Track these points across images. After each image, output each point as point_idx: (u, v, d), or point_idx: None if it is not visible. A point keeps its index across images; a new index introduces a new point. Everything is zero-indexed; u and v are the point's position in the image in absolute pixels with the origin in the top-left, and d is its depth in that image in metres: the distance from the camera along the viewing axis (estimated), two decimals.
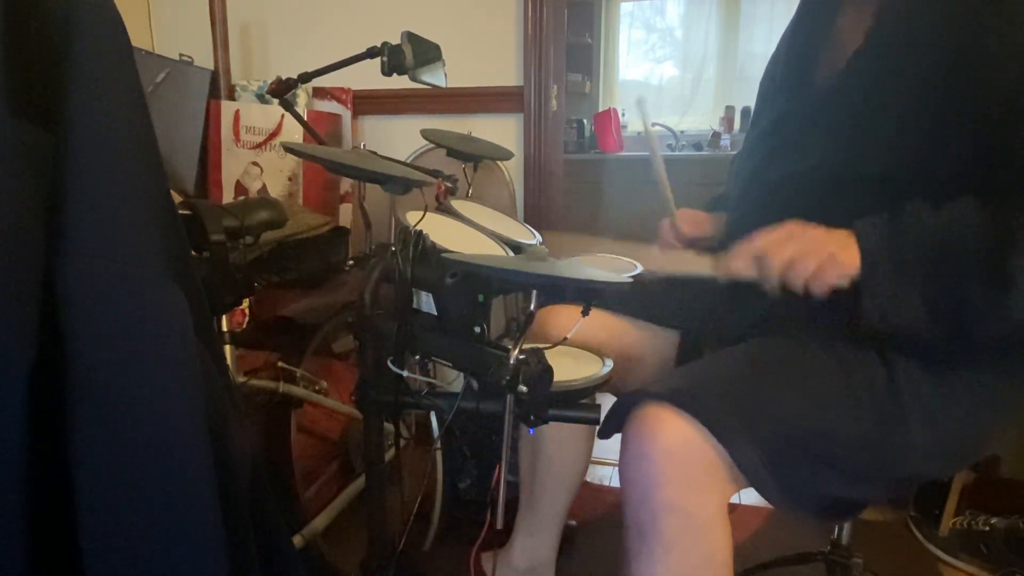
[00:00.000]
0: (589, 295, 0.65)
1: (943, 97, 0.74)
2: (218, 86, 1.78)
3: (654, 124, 3.67)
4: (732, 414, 0.68)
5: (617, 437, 0.77)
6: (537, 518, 1.15)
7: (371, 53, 0.99)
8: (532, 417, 0.68)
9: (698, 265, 0.81)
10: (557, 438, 1.10)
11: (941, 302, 0.70)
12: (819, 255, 0.70)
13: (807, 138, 0.87)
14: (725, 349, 0.80)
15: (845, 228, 0.73)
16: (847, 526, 1.06)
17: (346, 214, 1.83)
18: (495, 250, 0.89)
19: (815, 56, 0.92)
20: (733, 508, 0.71)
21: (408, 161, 1.52)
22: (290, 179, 1.75)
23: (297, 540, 1.14)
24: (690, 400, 0.69)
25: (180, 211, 0.65)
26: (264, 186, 1.75)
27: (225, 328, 1.09)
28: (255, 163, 1.74)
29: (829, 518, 0.96)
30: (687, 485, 0.68)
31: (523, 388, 0.64)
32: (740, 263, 0.75)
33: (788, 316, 0.82)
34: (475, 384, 0.72)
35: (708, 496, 0.68)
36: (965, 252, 0.69)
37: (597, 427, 0.76)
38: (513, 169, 1.74)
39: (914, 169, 0.77)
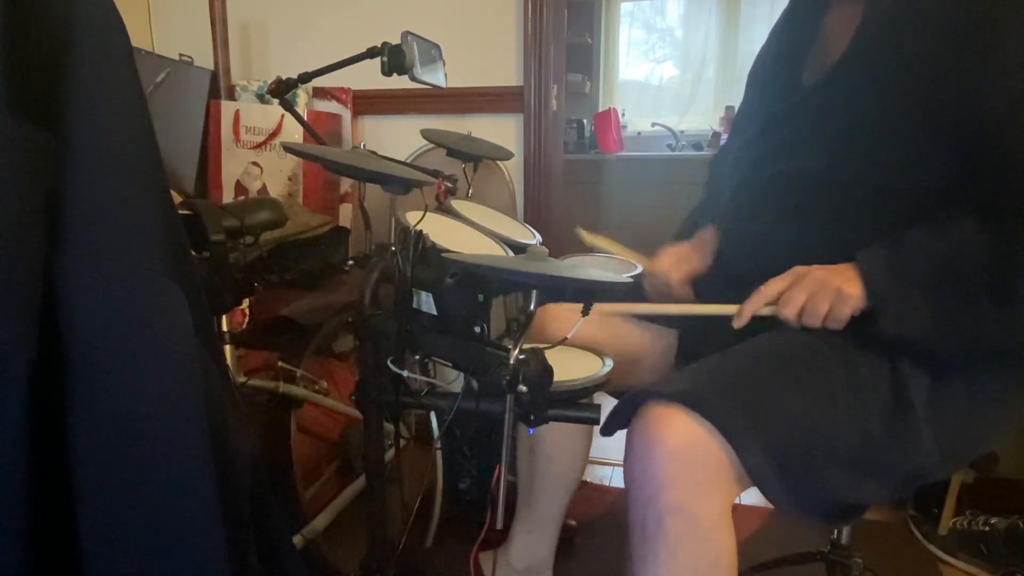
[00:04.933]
0: (589, 295, 0.65)
1: (928, 104, 0.74)
2: (218, 86, 1.78)
3: (654, 124, 3.67)
4: (740, 415, 0.68)
5: (619, 437, 0.77)
6: (535, 517, 1.15)
7: (371, 53, 0.99)
8: (532, 417, 0.68)
9: (717, 308, 0.83)
10: (555, 437, 1.10)
11: (949, 320, 0.71)
12: (827, 295, 0.73)
13: (796, 140, 0.87)
14: (730, 349, 0.80)
15: (848, 251, 0.76)
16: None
17: (346, 214, 1.83)
18: (495, 250, 0.89)
19: (804, 56, 0.92)
20: (733, 508, 0.71)
21: (408, 161, 1.52)
22: (290, 179, 1.75)
23: (297, 540, 1.14)
24: (698, 400, 0.68)
25: (180, 211, 0.65)
26: (264, 186, 1.75)
27: (225, 328, 1.09)
28: (255, 163, 1.74)
29: (834, 520, 0.96)
30: (693, 487, 0.67)
31: (523, 388, 0.64)
32: (755, 306, 0.78)
33: None
34: (475, 384, 0.72)
35: (713, 498, 0.68)
36: (969, 272, 0.70)
37: (596, 426, 0.76)
38: (513, 169, 1.74)
39: (898, 176, 0.77)
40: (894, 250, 0.74)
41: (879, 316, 0.73)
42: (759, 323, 0.79)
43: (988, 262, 0.69)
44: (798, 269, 0.77)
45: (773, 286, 0.77)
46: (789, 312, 0.75)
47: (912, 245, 0.73)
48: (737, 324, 0.78)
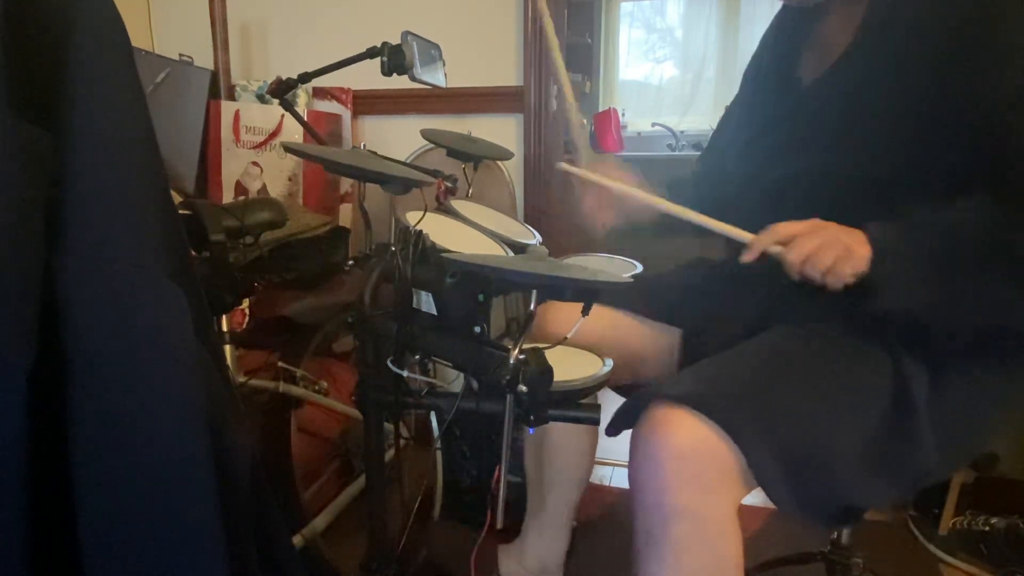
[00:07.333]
0: (589, 295, 0.65)
1: (931, 102, 0.74)
2: (218, 86, 1.78)
3: (654, 124, 3.67)
4: (747, 417, 0.68)
5: (620, 437, 0.77)
6: (547, 517, 1.15)
7: (371, 53, 0.99)
8: (532, 417, 0.68)
9: (729, 229, 0.81)
10: (559, 436, 1.10)
11: (954, 294, 0.71)
12: (836, 249, 0.72)
13: (798, 140, 0.87)
14: (734, 348, 0.80)
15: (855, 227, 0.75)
16: None
17: (346, 214, 1.83)
18: (495, 250, 0.89)
19: (800, 55, 0.92)
20: None
21: (408, 161, 1.52)
22: (290, 179, 1.75)
23: (297, 540, 1.14)
24: (705, 402, 0.68)
25: (180, 211, 0.65)
26: (264, 186, 1.75)
27: (225, 328, 1.09)
28: (255, 163, 1.74)
29: (836, 523, 0.95)
30: (699, 489, 0.67)
31: (523, 388, 0.64)
32: (766, 242, 0.76)
33: (791, 310, 0.83)
34: (475, 384, 0.72)
35: (719, 500, 0.68)
36: (977, 247, 0.70)
37: (600, 425, 0.76)
38: (513, 169, 1.74)
39: (905, 174, 0.77)
40: (904, 224, 0.73)
41: (883, 288, 0.72)
42: (759, 269, 0.77)
43: (995, 239, 0.69)
44: (817, 220, 0.75)
45: (789, 228, 0.75)
46: (794, 256, 0.73)
47: (921, 220, 0.73)
48: (746, 258, 0.76)
